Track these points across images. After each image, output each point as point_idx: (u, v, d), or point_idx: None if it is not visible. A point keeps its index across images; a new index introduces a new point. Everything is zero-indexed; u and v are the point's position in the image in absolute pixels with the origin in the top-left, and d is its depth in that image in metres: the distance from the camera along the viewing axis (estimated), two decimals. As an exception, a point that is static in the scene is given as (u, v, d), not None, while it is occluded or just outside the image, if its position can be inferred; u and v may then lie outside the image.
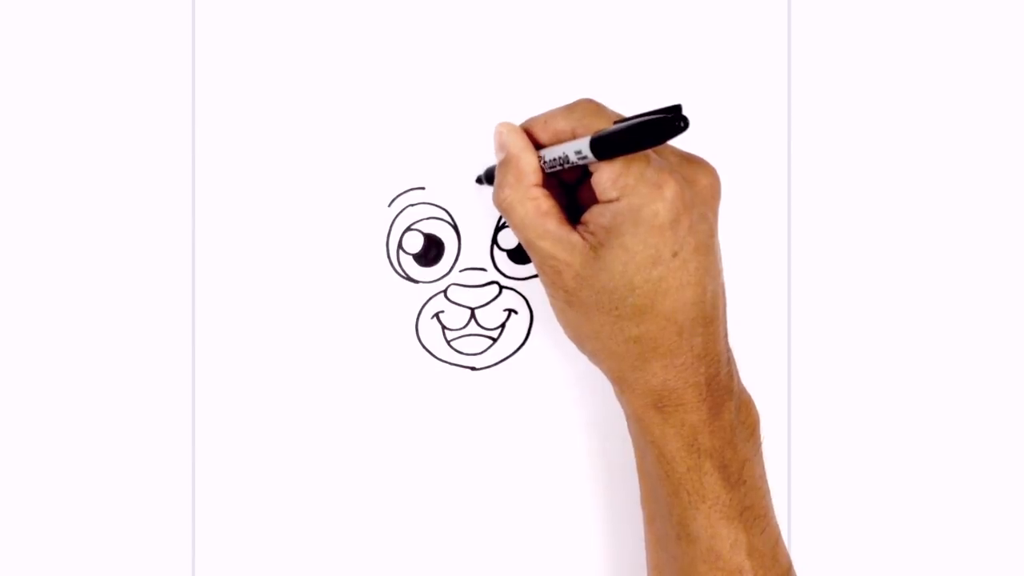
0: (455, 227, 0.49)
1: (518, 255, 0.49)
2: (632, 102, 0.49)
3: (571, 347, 0.49)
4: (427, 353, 0.49)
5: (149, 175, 0.49)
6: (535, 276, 0.49)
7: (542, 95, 0.49)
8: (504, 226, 0.49)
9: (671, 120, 0.36)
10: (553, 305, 0.42)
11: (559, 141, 0.41)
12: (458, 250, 0.49)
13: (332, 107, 0.49)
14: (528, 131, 0.42)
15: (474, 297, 0.49)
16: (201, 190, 0.49)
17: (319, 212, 0.49)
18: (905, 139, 0.50)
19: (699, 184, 0.40)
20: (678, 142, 0.38)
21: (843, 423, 0.49)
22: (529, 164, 0.41)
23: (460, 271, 0.49)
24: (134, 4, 0.49)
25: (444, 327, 0.49)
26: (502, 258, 0.49)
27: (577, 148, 0.40)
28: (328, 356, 0.49)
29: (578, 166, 0.41)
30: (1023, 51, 0.50)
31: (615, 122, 0.40)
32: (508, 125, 0.42)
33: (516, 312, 0.49)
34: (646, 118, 0.37)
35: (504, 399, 0.49)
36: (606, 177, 0.39)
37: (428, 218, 0.49)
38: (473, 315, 0.49)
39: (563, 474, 0.49)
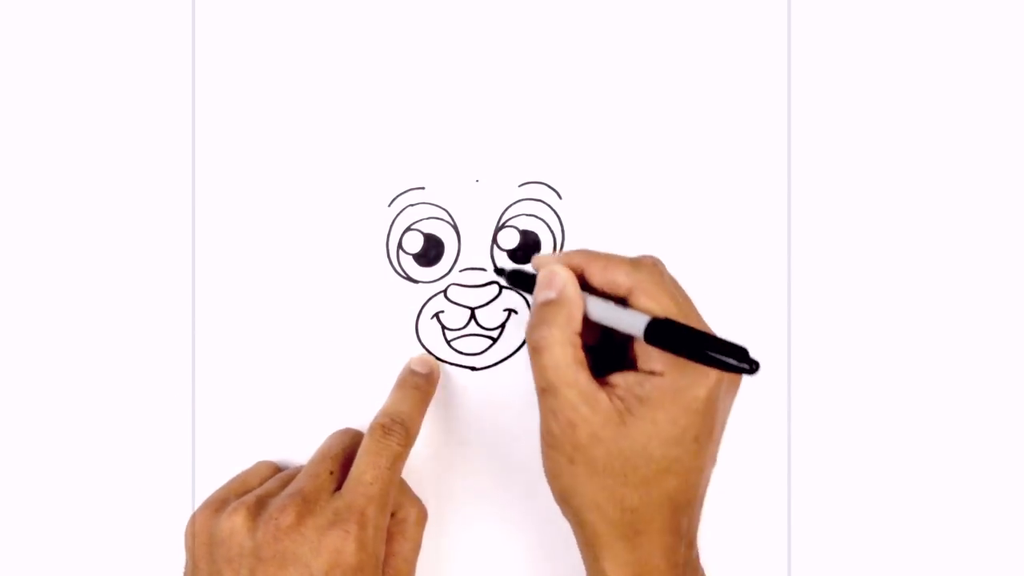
0: (455, 227, 0.49)
1: (518, 255, 0.49)
2: (632, 102, 0.49)
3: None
4: (427, 353, 0.49)
5: (149, 175, 0.49)
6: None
7: (542, 95, 0.49)
8: (504, 226, 0.49)
9: (743, 360, 0.35)
10: (549, 455, 0.40)
11: (611, 289, 0.40)
12: (458, 250, 0.49)
13: (332, 107, 0.49)
14: (581, 264, 0.41)
15: (474, 297, 0.49)
16: (201, 190, 0.49)
17: (319, 212, 0.49)
18: (905, 139, 0.50)
19: (734, 375, 0.40)
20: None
21: (843, 423, 0.49)
22: (579, 312, 0.40)
23: (460, 271, 0.49)
24: (134, 4, 0.50)
25: (444, 327, 0.49)
26: (502, 258, 0.49)
27: (631, 322, 0.38)
28: (329, 356, 0.49)
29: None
30: (1023, 51, 0.50)
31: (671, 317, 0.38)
32: (565, 270, 0.40)
33: (516, 312, 0.49)
34: (719, 342, 0.36)
35: (504, 399, 0.49)
36: (655, 351, 0.38)
37: (428, 218, 0.49)
38: (473, 315, 0.49)
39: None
